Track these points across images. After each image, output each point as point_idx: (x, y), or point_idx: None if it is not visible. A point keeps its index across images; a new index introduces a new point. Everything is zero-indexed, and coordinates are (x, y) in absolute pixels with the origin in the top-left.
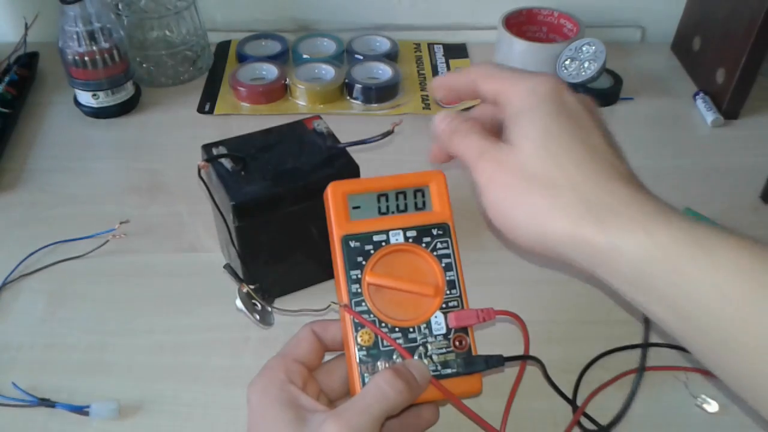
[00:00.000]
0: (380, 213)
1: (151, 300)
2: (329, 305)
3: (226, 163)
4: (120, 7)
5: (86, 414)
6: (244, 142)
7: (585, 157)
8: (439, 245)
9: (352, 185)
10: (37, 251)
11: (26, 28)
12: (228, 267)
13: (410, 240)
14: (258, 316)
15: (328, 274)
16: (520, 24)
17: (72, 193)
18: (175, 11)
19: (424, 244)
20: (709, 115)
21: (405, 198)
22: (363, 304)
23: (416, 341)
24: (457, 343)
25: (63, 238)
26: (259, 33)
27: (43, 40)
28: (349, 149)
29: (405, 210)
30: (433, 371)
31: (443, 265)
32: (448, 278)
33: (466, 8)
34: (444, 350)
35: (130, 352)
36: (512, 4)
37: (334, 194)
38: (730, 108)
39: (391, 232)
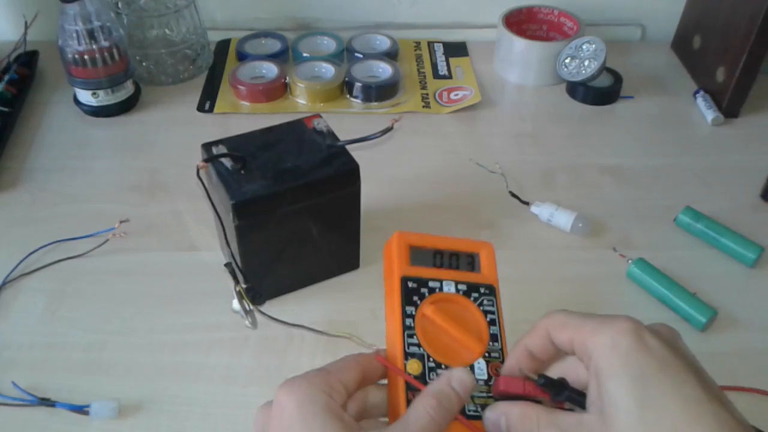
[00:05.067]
0: (434, 265)
1: (151, 299)
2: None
3: (226, 162)
4: (120, 5)
5: (86, 414)
6: (244, 140)
7: (685, 417)
8: (485, 302)
9: (415, 238)
10: (37, 250)
11: (26, 26)
12: (229, 266)
13: (461, 292)
14: (249, 318)
15: (327, 273)
16: (520, 22)
17: (72, 192)
18: (175, 10)
19: (472, 298)
20: (710, 114)
21: (458, 259)
22: (414, 336)
23: None
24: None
25: (63, 237)
26: (259, 31)
27: (42, 38)
28: (348, 147)
29: (457, 267)
30: (473, 411)
31: (488, 319)
32: (491, 332)
33: (466, 7)
34: (485, 395)
35: (130, 352)
36: (512, 2)
37: (398, 243)
38: (730, 106)
39: (444, 282)
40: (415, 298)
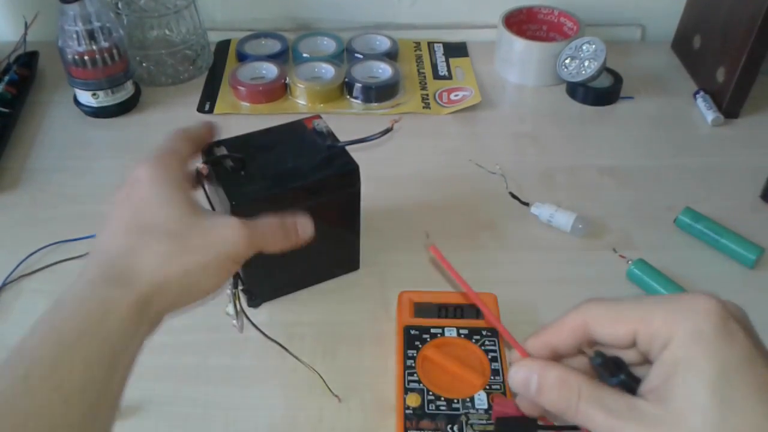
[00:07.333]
0: (439, 316)
1: None
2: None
3: (226, 162)
4: (120, 6)
5: None
6: (244, 141)
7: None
8: (487, 342)
9: (419, 296)
10: (37, 251)
11: (26, 27)
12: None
13: (462, 336)
14: (239, 321)
15: (327, 274)
16: (520, 23)
17: (72, 193)
18: (175, 10)
19: (473, 340)
20: (710, 114)
21: (462, 311)
22: (414, 374)
23: (459, 411)
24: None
25: (63, 238)
26: (258, 32)
27: (42, 39)
28: (348, 148)
29: (461, 317)
30: None
31: (490, 357)
32: (493, 367)
33: (466, 7)
34: (485, 422)
35: None
36: (512, 2)
37: (401, 300)
38: (730, 107)
39: (446, 328)
40: (417, 342)
